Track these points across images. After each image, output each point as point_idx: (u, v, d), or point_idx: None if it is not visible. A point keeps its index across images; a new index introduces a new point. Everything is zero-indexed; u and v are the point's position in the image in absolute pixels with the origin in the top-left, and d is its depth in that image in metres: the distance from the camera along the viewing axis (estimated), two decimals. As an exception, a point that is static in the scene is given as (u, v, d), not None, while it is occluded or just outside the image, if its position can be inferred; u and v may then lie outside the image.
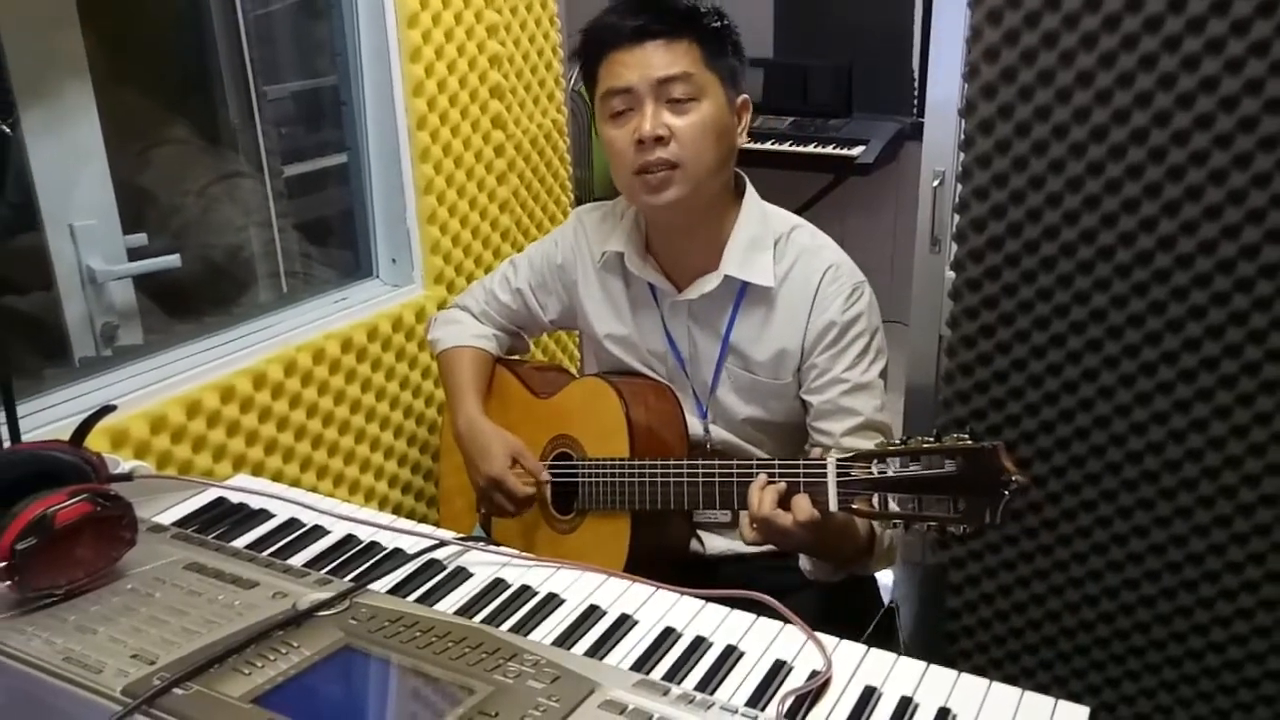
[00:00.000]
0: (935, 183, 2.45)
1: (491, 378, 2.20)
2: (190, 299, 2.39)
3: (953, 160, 2.36)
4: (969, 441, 1.41)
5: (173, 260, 2.19)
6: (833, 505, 1.54)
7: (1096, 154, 1.90)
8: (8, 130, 1.92)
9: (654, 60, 1.80)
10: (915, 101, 4.63)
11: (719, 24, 1.86)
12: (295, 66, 2.79)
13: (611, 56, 1.84)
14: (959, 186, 2.06)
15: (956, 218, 2.08)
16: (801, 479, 1.60)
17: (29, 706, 1.16)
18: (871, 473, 1.49)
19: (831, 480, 1.54)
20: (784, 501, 1.60)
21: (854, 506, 1.51)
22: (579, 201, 3.03)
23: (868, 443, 1.83)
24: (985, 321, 2.08)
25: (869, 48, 4.66)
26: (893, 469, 1.46)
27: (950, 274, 2.16)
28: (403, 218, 2.56)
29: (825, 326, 1.87)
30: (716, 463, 1.77)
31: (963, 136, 2.04)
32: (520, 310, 2.21)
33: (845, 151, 4.41)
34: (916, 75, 4.64)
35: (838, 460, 1.53)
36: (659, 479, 1.84)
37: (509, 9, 2.75)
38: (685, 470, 1.80)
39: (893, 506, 1.47)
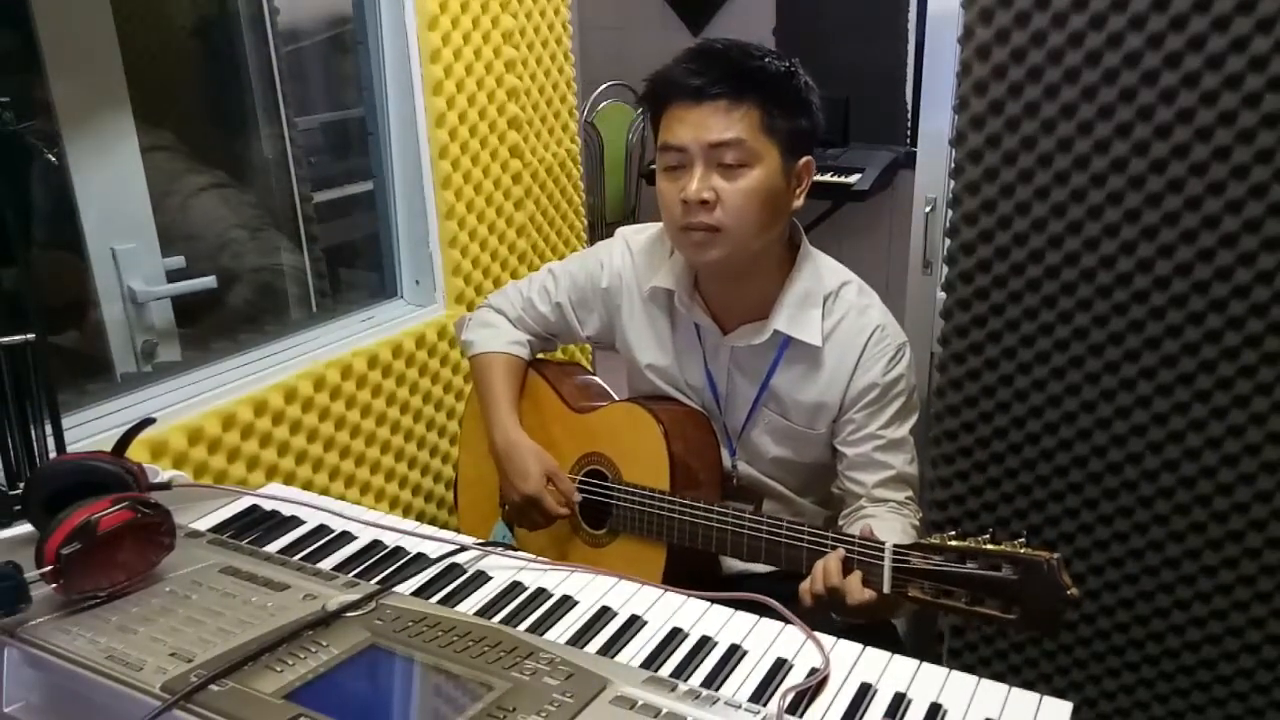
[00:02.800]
0: (927, 209, 2.45)
1: (524, 382, 2.15)
2: (225, 318, 2.40)
3: (944, 187, 2.36)
4: (1028, 550, 1.37)
5: (209, 281, 2.20)
6: (886, 588, 1.49)
7: (1080, 181, 1.90)
8: (54, 159, 1.94)
9: (710, 123, 1.71)
10: (908, 132, 4.63)
11: (788, 85, 1.76)
12: (324, 99, 2.80)
13: (671, 111, 1.77)
14: (949, 212, 2.06)
15: (947, 241, 2.08)
16: (858, 558, 1.55)
17: (73, 702, 1.17)
18: (930, 563, 1.45)
19: (888, 565, 1.49)
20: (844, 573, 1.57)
21: (909, 594, 1.47)
22: (592, 227, 3.03)
23: (898, 494, 1.83)
24: (974, 339, 2.08)
25: (865, 82, 4.66)
26: (950, 563, 1.42)
27: (941, 294, 2.16)
28: (426, 242, 2.57)
29: (867, 386, 1.84)
30: (765, 519, 1.72)
31: (953, 165, 2.04)
32: (558, 322, 2.13)
33: (843, 179, 4.40)
34: (910, 107, 4.64)
35: (895, 546, 1.49)
36: (701, 522, 1.79)
37: (525, 45, 2.76)
38: (730, 520, 1.76)
39: (945, 599, 1.43)
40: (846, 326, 1.86)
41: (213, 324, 2.35)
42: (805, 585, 1.60)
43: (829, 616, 1.60)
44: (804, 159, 1.80)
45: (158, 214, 2.14)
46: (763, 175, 1.73)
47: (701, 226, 1.74)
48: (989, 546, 1.40)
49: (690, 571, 1.89)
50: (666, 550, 1.88)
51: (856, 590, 1.53)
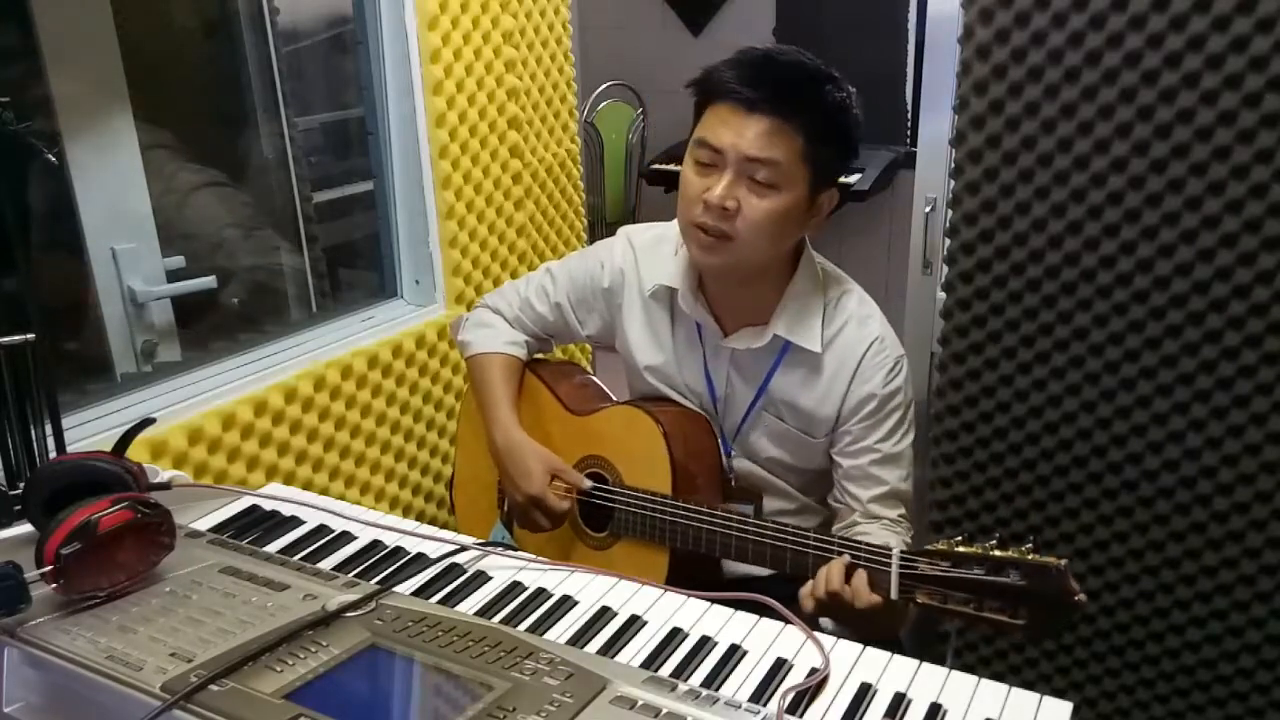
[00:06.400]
0: (927, 209, 2.45)
1: (521, 383, 2.14)
2: (226, 318, 2.40)
3: (944, 187, 2.36)
4: (1036, 556, 1.38)
5: (209, 281, 2.20)
6: (894, 594, 1.49)
7: (1080, 181, 1.91)
8: (53, 159, 1.94)
9: (752, 136, 1.68)
10: (908, 132, 4.62)
11: (839, 119, 1.76)
12: (324, 99, 2.80)
13: (718, 107, 1.73)
14: (949, 212, 2.06)
15: (947, 241, 2.08)
16: (865, 565, 1.54)
17: (73, 702, 1.16)
18: (938, 569, 1.45)
19: (895, 571, 1.49)
20: (847, 579, 1.55)
21: (918, 600, 1.47)
22: (592, 227, 3.03)
23: (891, 511, 1.82)
24: (974, 339, 2.08)
25: (865, 81, 4.62)
26: (957, 569, 1.42)
27: (941, 294, 2.16)
28: (425, 241, 2.56)
29: (865, 398, 1.82)
30: (770, 524, 1.71)
31: (953, 165, 2.05)
32: (557, 322, 2.12)
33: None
34: (910, 107, 4.64)
35: (902, 553, 1.49)
36: (706, 526, 1.78)
37: (525, 45, 2.76)
38: (735, 524, 1.75)
39: (952, 604, 1.43)
40: (847, 335, 1.85)
41: (212, 324, 2.35)
42: (806, 589, 1.59)
43: (830, 624, 1.60)
44: (829, 190, 1.79)
45: (156, 212, 2.14)
46: (787, 199, 1.72)
47: (715, 231, 1.73)
48: (996, 553, 1.39)
49: (693, 575, 1.87)
50: (670, 555, 1.87)
51: (864, 594, 1.51)
